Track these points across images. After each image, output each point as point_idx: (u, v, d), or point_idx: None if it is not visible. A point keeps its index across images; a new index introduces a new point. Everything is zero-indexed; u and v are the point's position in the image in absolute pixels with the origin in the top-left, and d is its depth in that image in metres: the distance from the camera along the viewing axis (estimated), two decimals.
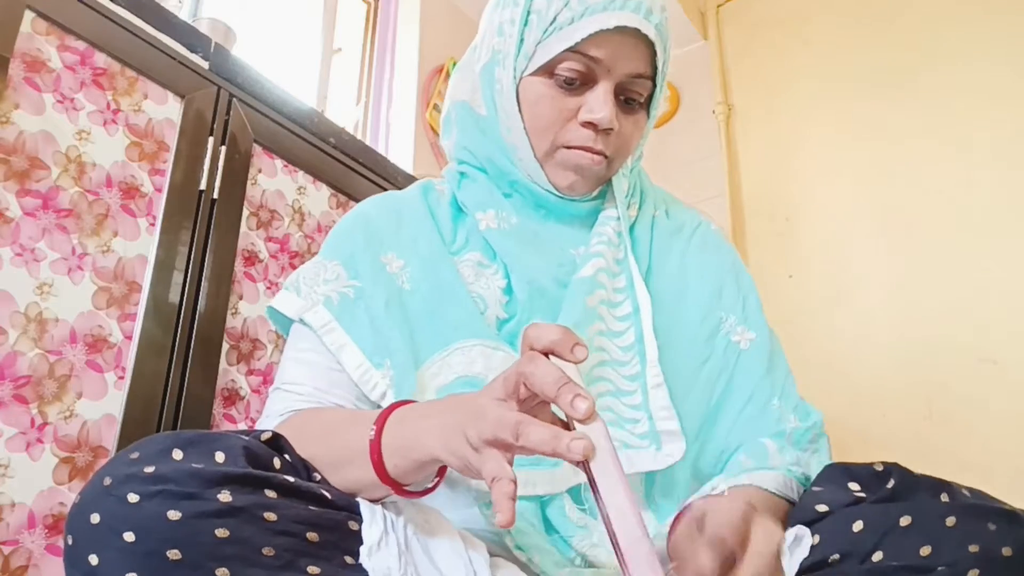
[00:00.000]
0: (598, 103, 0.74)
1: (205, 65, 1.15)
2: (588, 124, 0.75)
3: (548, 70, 0.76)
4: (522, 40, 0.77)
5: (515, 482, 0.47)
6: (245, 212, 1.15)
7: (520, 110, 0.77)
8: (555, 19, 0.74)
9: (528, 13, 0.76)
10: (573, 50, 0.74)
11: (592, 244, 0.78)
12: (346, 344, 0.73)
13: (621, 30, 0.73)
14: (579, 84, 0.76)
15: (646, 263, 0.81)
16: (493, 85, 0.79)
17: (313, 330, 0.74)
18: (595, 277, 0.75)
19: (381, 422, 0.59)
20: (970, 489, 0.60)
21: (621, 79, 0.75)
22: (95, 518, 0.49)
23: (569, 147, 0.77)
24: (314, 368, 0.74)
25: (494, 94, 0.79)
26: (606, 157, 0.78)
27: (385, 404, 0.69)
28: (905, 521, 0.56)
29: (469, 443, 0.51)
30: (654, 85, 0.78)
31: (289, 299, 0.78)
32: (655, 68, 0.77)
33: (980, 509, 0.56)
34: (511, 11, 0.77)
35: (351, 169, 1.35)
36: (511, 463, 0.50)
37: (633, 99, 0.78)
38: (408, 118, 2.05)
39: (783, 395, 0.78)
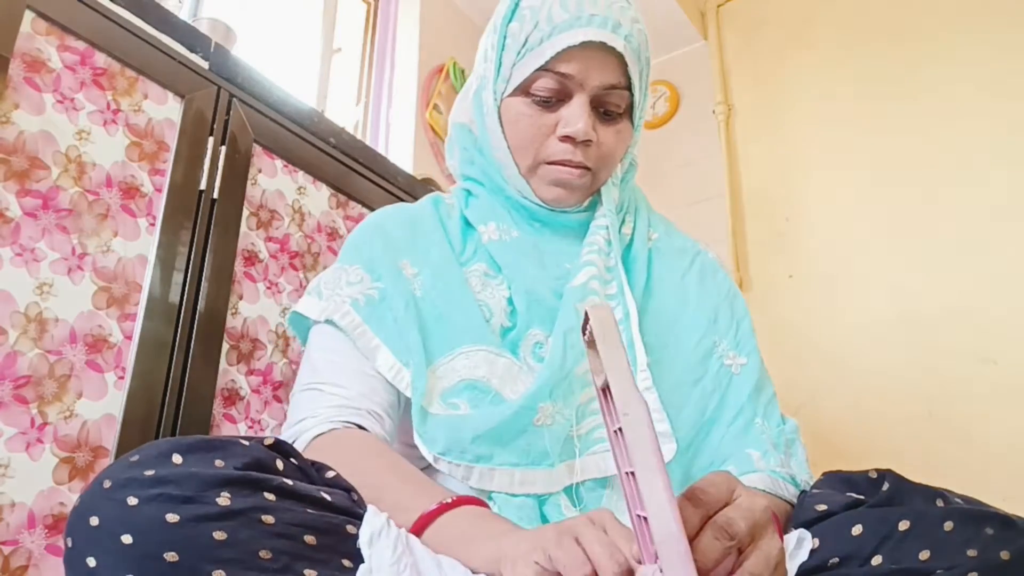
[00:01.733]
0: (573, 117, 0.78)
1: (205, 65, 1.15)
2: (566, 138, 0.79)
3: (524, 89, 0.80)
4: (500, 63, 0.81)
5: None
6: (245, 212, 1.15)
7: (503, 130, 0.81)
8: (527, 41, 0.78)
9: (504, 38, 0.80)
10: (545, 68, 0.77)
11: (583, 254, 0.81)
12: (379, 346, 0.76)
13: (589, 45, 0.76)
14: (555, 100, 0.79)
15: (643, 281, 0.84)
16: (481, 108, 0.83)
17: (345, 332, 0.77)
18: (587, 284, 0.77)
19: (435, 514, 0.60)
20: (963, 496, 0.60)
21: (595, 92, 0.78)
22: (94, 520, 0.49)
23: (550, 162, 0.80)
24: (350, 372, 0.76)
25: (483, 116, 0.83)
26: (588, 169, 0.80)
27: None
28: (904, 525, 0.56)
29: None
30: (632, 94, 0.81)
31: (312, 303, 0.81)
32: (630, 78, 0.80)
33: (977, 514, 0.57)
34: (492, 38, 0.82)
35: (351, 169, 1.35)
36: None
37: (611, 110, 0.80)
38: (408, 118, 2.05)
39: (766, 415, 0.80)
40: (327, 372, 0.77)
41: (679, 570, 0.42)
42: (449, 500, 0.61)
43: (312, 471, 0.59)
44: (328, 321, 0.78)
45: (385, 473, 0.66)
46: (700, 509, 0.47)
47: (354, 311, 0.78)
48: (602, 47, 0.77)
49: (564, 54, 0.76)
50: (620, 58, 0.78)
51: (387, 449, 0.72)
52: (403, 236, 0.84)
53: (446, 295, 0.79)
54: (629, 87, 0.80)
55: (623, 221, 0.87)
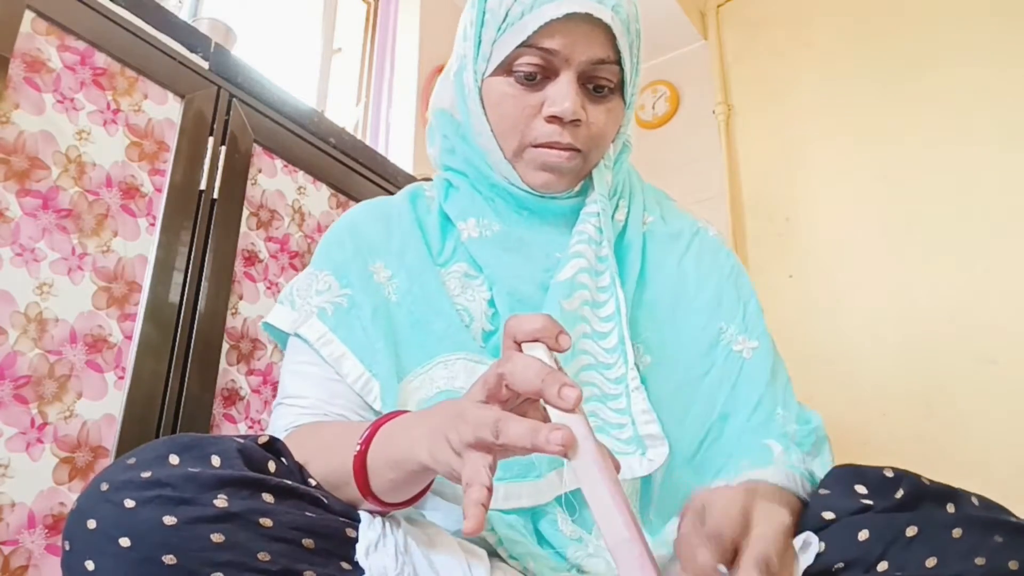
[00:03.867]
0: (560, 95, 0.71)
1: (205, 65, 1.15)
2: (552, 118, 0.72)
3: (506, 68, 0.73)
4: (479, 41, 0.75)
5: (489, 489, 0.46)
6: (245, 212, 1.15)
7: (485, 113, 0.75)
8: (507, 15, 0.72)
9: (483, 13, 0.74)
10: (527, 44, 0.71)
11: (572, 244, 0.75)
12: (344, 355, 0.72)
13: (573, 17, 0.70)
14: (540, 78, 0.73)
15: (637, 269, 0.79)
16: (463, 90, 0.77)
17: (309, 343, 0.73)
18: (575, 278, 0.73)
19: (368, 439, 0.57)
20: (980, 498, 0.58)
21: (583, 67, 0.72)
22: (92, 524, 0.49)
23: (537, 145, 0.74)
24: (313, 380, 0.73)
25: (464, 99, 0.77)
26: (578, 151, 0.74)
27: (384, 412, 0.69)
28: (911, 531, 0.55)
29: (452, 448, 0.49)
30: (623, 69, 0.75)
31: (283, 313, 0.77)
32: (619, 52, 0.74)
33: (987, 521, 0.55)
34: (470, 14, 0.76)
35: (351, 169, 1.35)
36: (494, 468, 0.48)
37: (602, 86, 0.74)
38: (408, 118, 2.05)
39: (785, 404, 0.75)
40: (291, 386, 0.74)
41: (636, 575, 0.41)
42: (357, 449, 0.57)
43: (297, 472, 0.58)
44: (297, 334, 0.75)
45: (324, 446, 0.62)
46: (716, 548, 0.48)
47: (321, 321, 0.73)
48: (588, 19, 0.70)
49: (547, 28, 0.70)
50: (608, 30, 0.72)
51: (325, 427, 0.69)
52: (377, 236, 0.79)
53: (423, 301, 0.74)
54: (619, 62, 0.74)
55: (616, 207, 0.81)
